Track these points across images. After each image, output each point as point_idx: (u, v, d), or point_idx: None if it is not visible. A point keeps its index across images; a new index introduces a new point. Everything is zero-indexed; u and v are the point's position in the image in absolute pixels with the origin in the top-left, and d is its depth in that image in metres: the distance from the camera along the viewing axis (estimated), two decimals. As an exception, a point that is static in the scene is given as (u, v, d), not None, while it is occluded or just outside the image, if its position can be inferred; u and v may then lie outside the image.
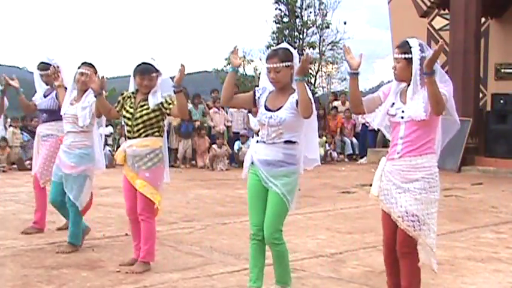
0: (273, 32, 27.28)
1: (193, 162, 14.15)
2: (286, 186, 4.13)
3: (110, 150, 15.43)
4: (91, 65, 5.79)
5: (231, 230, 6.69)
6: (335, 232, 6.73)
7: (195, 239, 6.19)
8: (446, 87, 3.74)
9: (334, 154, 16.65)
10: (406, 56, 3.78)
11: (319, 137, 16.77)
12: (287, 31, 26.95)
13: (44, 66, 6.51)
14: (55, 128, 6.42)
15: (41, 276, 4.78)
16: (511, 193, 10.12)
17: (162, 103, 4.94)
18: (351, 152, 16.71)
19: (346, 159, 16.42)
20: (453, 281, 4.82)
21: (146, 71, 4.95)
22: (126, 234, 6.34)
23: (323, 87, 29.80)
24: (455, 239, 6.36)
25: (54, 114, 6.40)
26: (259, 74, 28.65)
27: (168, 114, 5.02)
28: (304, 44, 27.38)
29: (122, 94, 5.18)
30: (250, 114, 14.97)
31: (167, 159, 5.16)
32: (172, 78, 5.05)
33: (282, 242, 4.23)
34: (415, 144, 3.78)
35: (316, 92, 26.92)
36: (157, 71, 4.99)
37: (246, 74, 27.19)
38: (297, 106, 4.10)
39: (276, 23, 27.28)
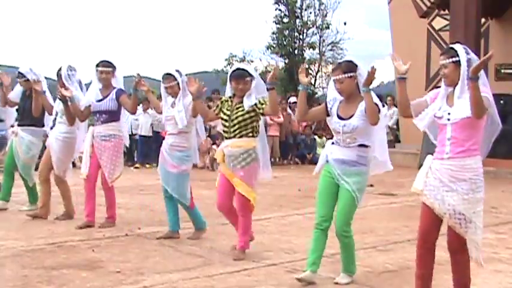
0: (273, 33, 27.27)
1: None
2: (357, 184, 4.60)
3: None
4: (170, 75, 6.14)
5: (230, 231, 6.67)
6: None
7: (195, 240, 6.19)
8: (488, 91, 4.00)
9: (334, 154, 16.64)
10: (454, 59, 4.04)
11: (319, 137, 16.79)
12: (287, 31, 26.95)
13: (106, 64, 6.77)
14: (116, 128, 6.82)
15: (41, 277, 4.78)
16: (511, 193, 10.12)
17: (255, 104, 5.35)
18: (351, 152, 16.67)
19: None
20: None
21: (241, 76, 5.40)
22: (126, 235, 6.36)
23: (323, 88, 29.75)
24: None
25: (114, 115, 6.80)
26: (260, 73, 28.61)
27: (262, 114, 5.42)
28: (304, 45, 27.38)
29: (221, 99, 5.66)
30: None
31: (264, 157, 5.58)
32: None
33: (351, 234, 4.71)
34: (463, 145, 4.01)
35: (316, 93, 26.91)
36: (251, 75, 5.41)
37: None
38: (366, 112, 4.56)
39: (276, 23, 27.27)
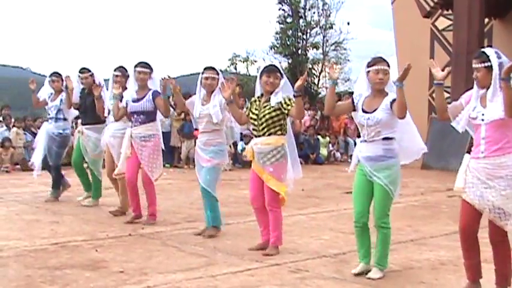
0: (277, 33, 27.25)
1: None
2: (388, 177, 4.79)
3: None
4: (214, 69, 6.31)
5: (234, 231, 6.70)
6: (338, 232, 6.74)
7: (198, 240, 6.20)
8: None
9: (338, 154, 16.64)
10: (486, 64, 4.23)
11: (322, 137, 16.78)
12: (290, 31, 26.93)
13: (145, 65, 6.97)
14: (154, 128, 7.01)
15: (44, 277, 4.78)
16: None
17: (281, 102, 5.50)
18: (354, 152, 16.68)
19: (349, 160, 16.34)
20: (456, 281, 4.81)
21: (272, 71, 5.61)
22: (130, 235, 6.36)
23: (326, 88, 29.73)
24: (458, 239, 6.33)
25: (151, 115, 6.98)
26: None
27: (287, 115, 5.53)
28: (307, 45, 27.37)
29: (250, 100, 5.82)
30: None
31: (293, 155, 5.74)
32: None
33: (389, 226, 4.93)
34: (496, 144, 4.20)
35: (320, 93, 26.90)
36: (281, 74, 5.61)
37: (249, 75, 27.15)
38: (391, 106, 4.74)
39: (280, 23, 27.26)
